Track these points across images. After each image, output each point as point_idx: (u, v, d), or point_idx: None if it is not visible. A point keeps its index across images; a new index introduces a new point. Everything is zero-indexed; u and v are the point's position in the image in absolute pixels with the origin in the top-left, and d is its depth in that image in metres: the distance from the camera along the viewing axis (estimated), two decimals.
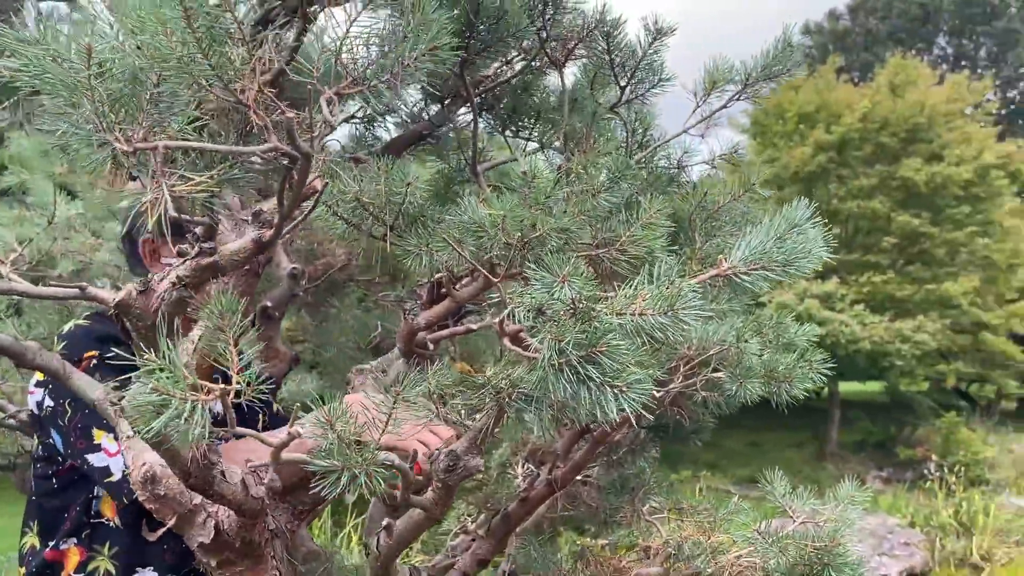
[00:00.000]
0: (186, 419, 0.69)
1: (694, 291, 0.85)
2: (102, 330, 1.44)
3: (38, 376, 1.43)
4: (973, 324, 16.32)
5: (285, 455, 0.84)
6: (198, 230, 0.80)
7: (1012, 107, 37.54)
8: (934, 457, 13.80)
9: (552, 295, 0.83)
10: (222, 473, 1.04)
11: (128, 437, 1.18)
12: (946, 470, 12.84)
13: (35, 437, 1.52)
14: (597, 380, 0.82)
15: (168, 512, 1.14)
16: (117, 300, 0.80)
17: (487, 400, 0.93)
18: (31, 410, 1.47)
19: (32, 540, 1.50)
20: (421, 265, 1.01)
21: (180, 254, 0.81)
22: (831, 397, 17.41)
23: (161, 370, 0.70)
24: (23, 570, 1.50)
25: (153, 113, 0.66)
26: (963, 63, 39.34)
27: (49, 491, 1.48)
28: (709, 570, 1.48)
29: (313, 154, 0.68)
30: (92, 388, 1.24)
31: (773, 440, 16.65)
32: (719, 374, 1.30)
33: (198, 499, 1.14)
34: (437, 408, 0.97)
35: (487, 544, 1.72)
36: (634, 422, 1.06)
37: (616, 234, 1.02)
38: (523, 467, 2.14)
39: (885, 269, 15.77)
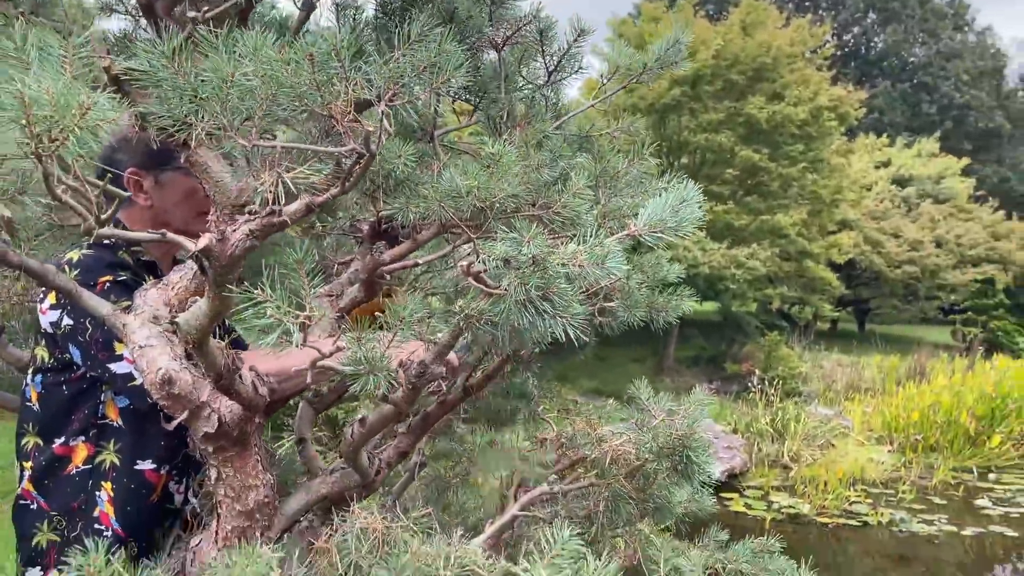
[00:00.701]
0: (283, 333, 0.96)
1: (616, 249, 1.19)
2: (111, 258, 1.63)
3: (51, 299, 1.60)
4: (798, 253, 17.93)
5: (323, 363, 1.13)
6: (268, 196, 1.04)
7: (846, 50, 40.12)
8: (757, 371, 15.22)
9: (520, 249, 1.15)
10: (240, 376, 1.31)
11: (139, 347, 1.42)
12: (766, 383, 14.22)
13: (39, 352, 1.68)
14: (550, 312, 1.15)
15: (179, 408, 1.39)
16: (201, 246, 1.03)
17: (461, 324, 1.25)
18: (45, 329, 1.64)
19: (33, 439, 1.69)
20: (406, 218, 1.30)
21: (252, 213, 1.06)
22: None
23: (256, 304, 0.96)
24: (29, 463, 1.69)
25: (264, 120, 0.90)
26: (807, 4, 41.55)
27: (58, 397, 1.66)
28: (594, 455, 1.87)
29: (376, 153, 0.94)
30: (101, 306, 1.46)
31: (617, 355, 17.79)
32: (612, 303, 1.67)
33: (205, 397, 1.40)
34: (418, 330, 1.28)
35: (407, 439, 2.04)
36: (576, 341, 1.39)
37: (552, 200, 1.34)
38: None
39: (726, 199, 16.95)
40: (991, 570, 8.27)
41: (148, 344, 1.40)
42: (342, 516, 1.30)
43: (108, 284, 1.58)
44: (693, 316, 22.06)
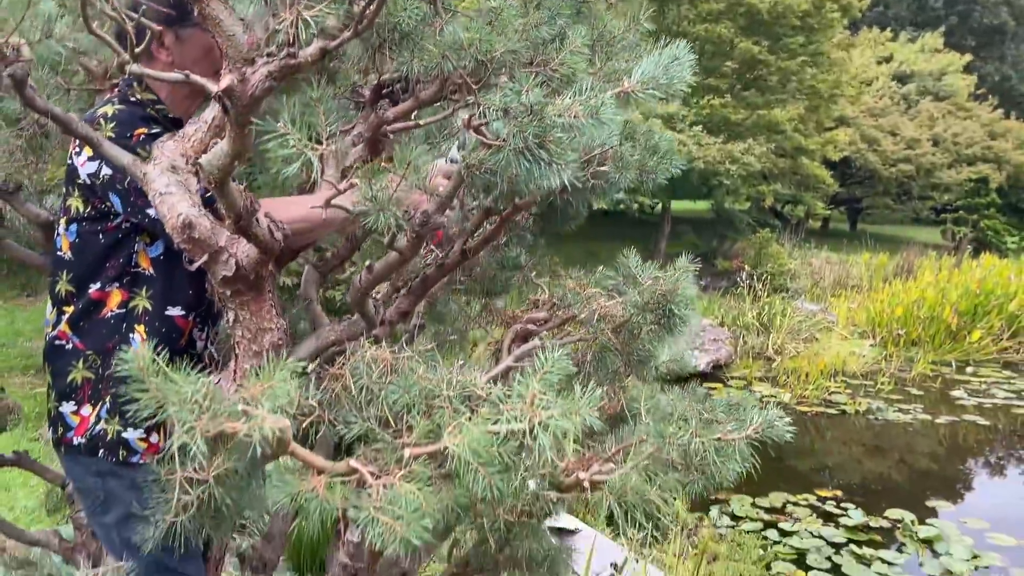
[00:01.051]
0: (304, 164, 1.05)
1: (610, 101, 1.27)
2: (143, 113, 1.70)
3: (88, 151, 1.68)
4: (794, 149, 17.86)
5: (336, 202, 1.22)
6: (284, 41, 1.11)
7: None
8: (747, 268, 15.42)
9: (519, 99, 1.23)
10: (257, 220, 1.41)
11: (160, 194, 1.51)
12: (755, 279, 14.43)
13: (74, 203, 1.77)
14: (546, 160, 1.24)
15: (199, 252, 1.50)
16: (223, 87, 1.11)
17: (463, 173, 1.34)
18: (82, 181, 1.73)
19: (65, 286, 1.80)
20: (410, 71, 1.37)
21: (270, 55, 1.13)
22: (663, 212, 18.82)
23: (279, 136, 1.05)
24: (67, 308, 1.80)
25: None
26: None
27: (94, 246, 1.76)
28: (583, 314, 2.00)
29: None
30: (122, 156, 1.54)
31: (608, 249, 17.85)
32: (604, 167, 1.75)
33: (223, 241, 1.50)
34: (422, 181, 1.37)
35: (407, 300, 2.16)
36: (567, 186, 1.48)
37: (550, 57, 1.41)
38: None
39: (724, 93, 16.74)
40: (962, 457, 8.67)
41: (168, 191, 1.49)
42: (352, 350, 1.42)
43: (143, 136, 1.66)
44: (685, 213, 22.17)
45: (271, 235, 1.43)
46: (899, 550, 6.17)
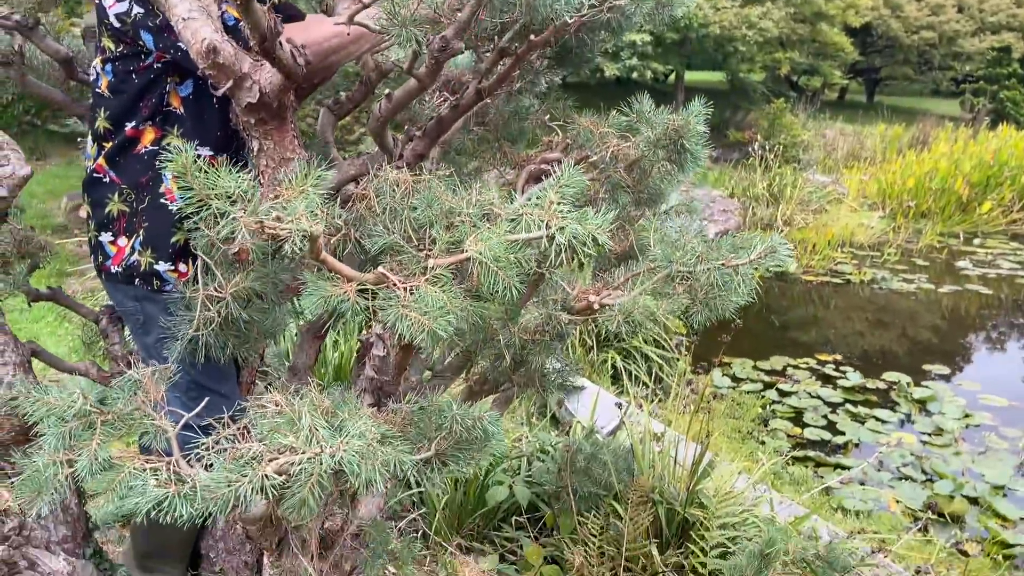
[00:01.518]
0: None
1: None
2: None
3: None
4: (813, 14, 17.24)
5: (359, 19, 1.25)
6: None
7: None
8: (759, 139, 15.22)
9: None
10: (280, 43, 1.44)
11: (183, 20, 1.53)
12: (767, 150, 14.26)
13: (106, 42, 1.81)
14: None
15: (223, 78, 1.54)
16: None
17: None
18: (111, 22, 1.75)
19: (103, 124, 1.86)
20: None
21: None
22: (677, 83, 18.42)
23: None
24: (109, 144, 1.86)
25: None
26: None
27: (128, 86, 1.81)
28: (596, 155, 2.04)
29: None
30: None
31: (563, 96, 17.55)
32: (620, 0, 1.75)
33: (246, 67, 1.54)
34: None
35: (423, 142, 2.20)
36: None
37: None
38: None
39: None
40: (963, 325, 8.84)
41: (190, 17, 1.51)
42: (374, 173, 1.48)
43: None
44: (699, 83, 21.63)
45: (294, 60, 1.47)
46: (892, 409, 6.41)
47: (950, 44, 22.89)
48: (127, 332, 2.29)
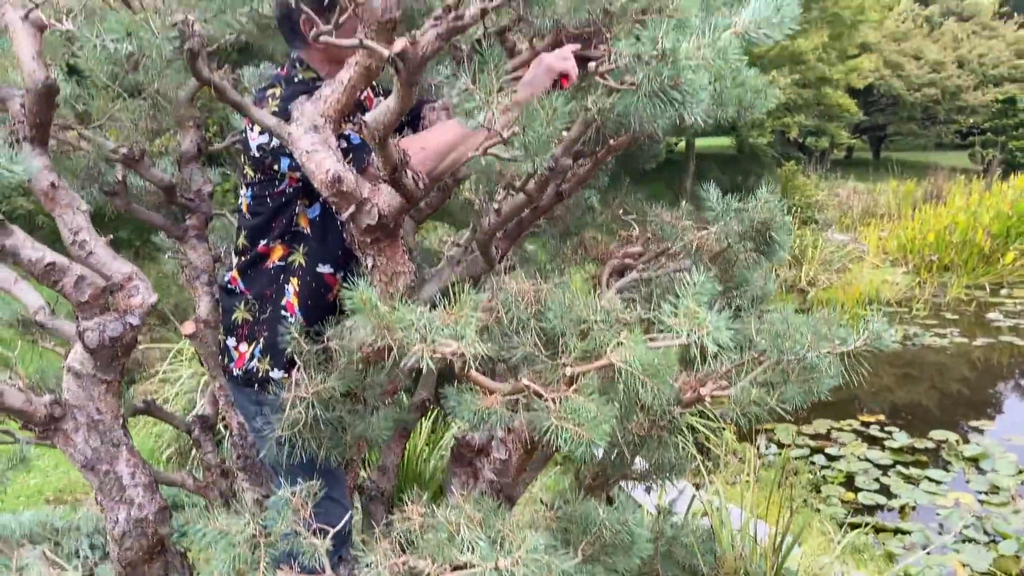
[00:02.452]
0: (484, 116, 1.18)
1: (735, 42, 1.38)
2: (304, 89, 1.80)
3: (258, 127, 1.83)
4: (817, 79, 17.62)
5: (487, 144, 1.34)
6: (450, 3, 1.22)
7: None
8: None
9: (653, 46, 1.34)
10: (406, 171, 1.54)
11: (306, 152, 1.64)
12: (784, 212, 14.35)
13: (248, 170, 1.97)
14: (680, 100, 1.36)
15: (345, 205, 1.64)
16: (397, 50, 1.23)
17: (594, 117, 1.46)
18: (253, 152, 1.90)
19: (243, 241, 2.03)
20: (543, 25, 1.48)
21: (437, 19, 1.24)
22: (688, 150, 18.73)
23: (464, 91, 1.17)
24: (243, 258, 2.02)
25: None
26: None
27: (264, 208, 1.96)
28: (676, 247, 2.13)
29: None
30: (266, 119, 1.67)
31: (634, 190, 17.88)
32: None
33: (366, 193, 1.64)
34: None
35: (505, 243, 2.28)
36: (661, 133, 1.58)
37: (665, 3, 1.52)
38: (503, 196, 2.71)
39: None
40: (1002, 377, 8.77)
41: (314, 149, 1.62)
42: (498, 285, 1.56)
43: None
44: (708, 150, 22.03)
45: (415, 184, 1.56)
46: (945, 469, 6.32)
47: (953, 99, 23.27)
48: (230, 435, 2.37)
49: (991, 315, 10.66)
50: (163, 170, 2.30)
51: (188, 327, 2.22)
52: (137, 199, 2.32)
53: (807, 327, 1.65)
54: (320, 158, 1.60)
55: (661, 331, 1.30)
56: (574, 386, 1.26)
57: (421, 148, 1.66)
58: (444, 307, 1.25)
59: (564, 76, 1.59)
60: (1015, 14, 27.82)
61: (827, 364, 1.87)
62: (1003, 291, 11.85)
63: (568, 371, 1.32)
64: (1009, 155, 22.86)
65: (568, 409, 1.22)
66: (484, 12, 1.23)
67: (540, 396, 1.29)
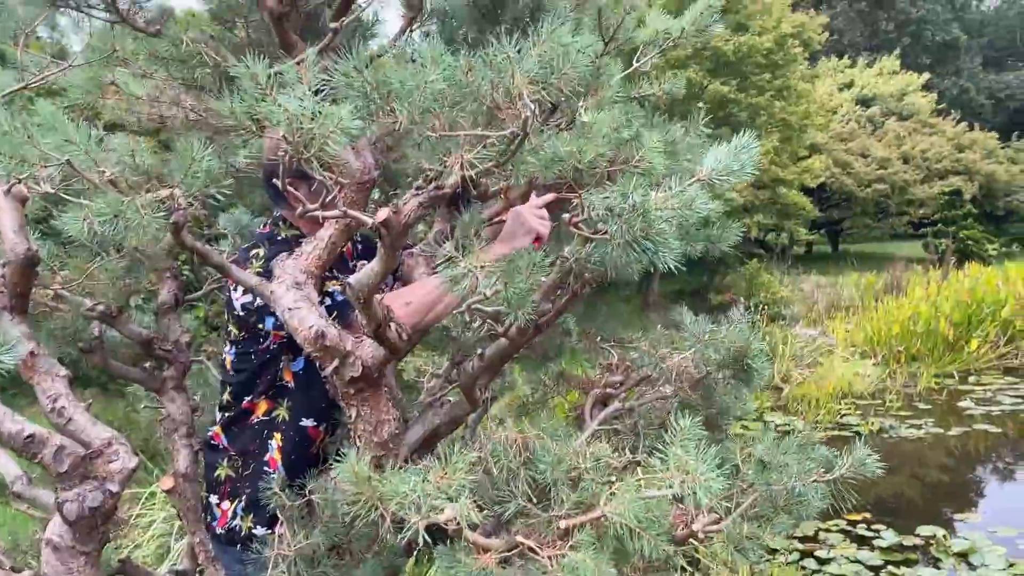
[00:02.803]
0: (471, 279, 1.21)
1: (701, 194, 1.45)
2: (286, 248, 1.86)
3: (242, 287, 1.86)
4: (772, 180, 18.26)
5: (471, 301, 1.37)
6: (430, 175, 1.28)
7: None
8: (741, 300, 15.64)
9: (624, 200, 1.40)
10: (390, 325, 1.56)
11: (289, 309, 1.66)
12: (751, 310, 14.62)
13: (232, 328, 2.00)
14: (652, 250, 1.41)
15: (329, 359, 1.65)
16: (381, 219, 1.27)
17: (571, 265, 1.50)
18: (237, 312, 1.93)
19: (227, 397, 2.04)
20: (517, 182, 1.55)
21: (418, 188, 1.30)
22: None
23: (448, 259, 1.21)
24: (227, 414, 2.02)
25: (449, 115, 1.14)
26: None
27: (249, 365, 1.98)
28: (656, 374, 2.16)
29: (528, 133, 1.19)
30: (248, 278, 1.70)
31: (603, 298, 18.10)
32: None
33: (350, 346, 1.65)
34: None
35: (486, 376, 2.30)
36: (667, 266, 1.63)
37: (632, 155, 1.59)
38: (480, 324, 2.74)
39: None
40: (981, 466, 8.80)
41: (296, 306, 1.65)
42: (486, 435, 1.57)
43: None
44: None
45: (399, 337, 1.59)
46: (936, 566, 6.25)
47: (902, 193, 24.21)
48: None
49: (963, 403, 10.77)
50: (140, 323, 2.31)
51: (166, 482, 2.17)
52: (113, 353, 2.31)
53: (792, 455, 1.66)
54: (303, 314, 1.63)
55: (652, 474, 1.30)
56: (569, 541, 1.26)
57: (407, 303, 1.70)
58: (436, 467, 1.25)
59: (538, 237, 1.65)
60: (952, 111, 29.33)
61: (815, 491, 1.88)
62: (971, 378, 12.01)
63: (562, 524, 1.32)
64: (961, 244, 23.62)
65: (565, 567, 1.21)
66: (465, 181, 1.28)
67: (535, 552, 1.27)
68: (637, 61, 2.08)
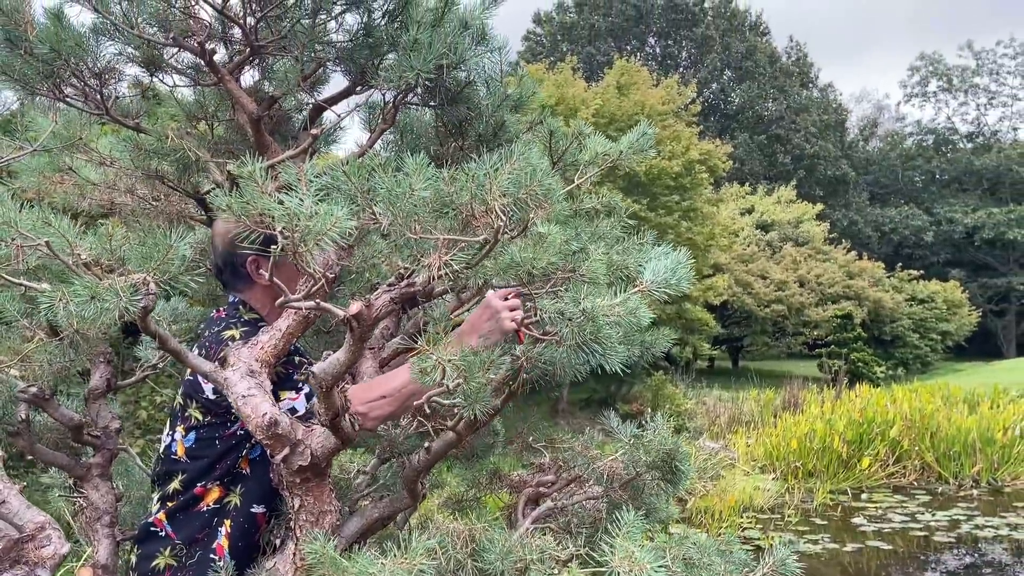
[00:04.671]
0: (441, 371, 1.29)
1: (643, 303, 1.59)
2: (254, 330, 1.90)
3: None
4: (678, 296, 18.99)
5: (433, 393, 1.44)
6: (403, 272, 1.37)
7: (707, 105, 42.79)
8: (648, 411, 15.93)
9: (576, 305, 1.53)
10: (345, 416, 1.61)
11: (242, 396, 1.69)
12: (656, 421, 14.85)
13: (194, 413, 1.96)
14: (600, 352, 1.53)
15: (279, 447, 1.68)
16: (353, 312, 1.34)
17: (522, 364, 1.60)
18: (207, 396, 1.91)
19: (175, 486, 1.97)
20: (474, 283, 1.66)
21: (390, 285, 1.38)
22: None
23: (418, 352, 1.29)
24: (174, 503, 1.95)
25: (428, 219, 1.25)
26: (669, 62, 44.31)
27: (210, 450, 1.94)
28: (586, 474, 2.24)
29: (500, 240, 1.31)
30: (203, 364, 1.73)
31: (516, 404, 18.14)
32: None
33: (300, 435, 1.69)
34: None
35: (424, 467, 2.34)
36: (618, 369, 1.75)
37: (579, 264, 1.73)
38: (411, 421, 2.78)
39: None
40: None
41: (250, 394, 1.68)
42: (434, 526, 1.61)
43: None
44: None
45: (352, 428, 1.64)
46: None
47: (798, 314, 25.51)
48: None
49: (856, 519, 11.14)
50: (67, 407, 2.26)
51: (85, 573, 2.09)
52: (38, 437, 2.24)
53: (717, 555, 1.76)
54: (256, 402, 1.66)
55: (595, 567, 1.38)
56: None
57: (382, 396, 1.75)
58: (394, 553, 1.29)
59: (519, 331, 1.74)
60: (842, 240, 31.42)
61: None
62: (863, 496, 12.47)
63: None
64: (852, 366, 24.88)
65: None
66: (431, 279, 1.38)
67: None
68: (579, 179, 2.25)
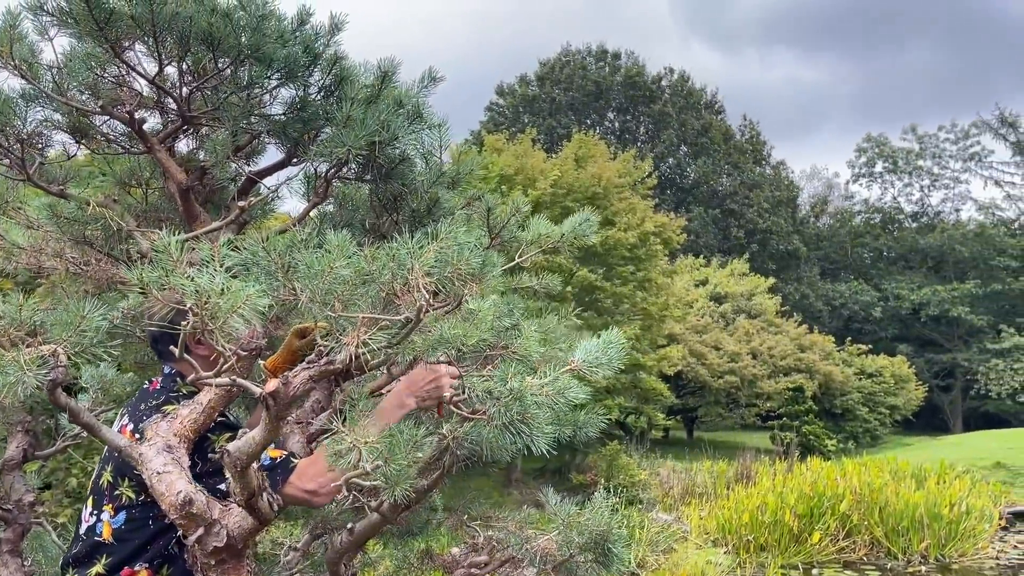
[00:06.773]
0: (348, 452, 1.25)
1: (573, 382, 1.57)
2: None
3: None
4: (632, 365, 19.06)
5: (350, 475, 1.40)
6: (322, 349, 1.34)
7: (663, 178, 43.77)
8: (601, 481, 15.82)
9: (504, 385, 1.50)
10: (263, 496, 1.55)
11: (157, 473, 1.63)
12: (610, 492, 14.73)
13: (126, 492, 1.89)
14: (528, 433, 1.51)
15: (193, 526, 1.60)
16: (270, 389, 1.31)
17: (449, 443, 1.57)
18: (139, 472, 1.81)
19: (99, 569, 1.88)
20: (403, 359, 1.63)
21: (310, 362, 1.35)
22: None
23: (333, 433, 1.25)
24: None
25: (351, 297, 1.23)
26: (627, 137, 45.47)
27: (143, 531, 1.87)
28: (520, 555, 2.19)
29: (422, 319, 1.29)
30: (117, 439, 1.66)
31: (469, 474, 17.90)
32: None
33: (216, 515, 1.62)
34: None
35: (355, 549, 2.28)
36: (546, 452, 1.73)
37: (512, 342, 1.72)
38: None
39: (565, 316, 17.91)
40: None
41: (165, 470, 1.62)
42: None
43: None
44: None
45: (270, 508, 1.57)
46: None
47: (751, 386, 25.74)
48: None
49: None
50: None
51: None
52: None
53: None
54: (171, 479, 1.59)
55: None
56: None
57: (317, 479, 1.71)
58: None
59: (439, 407, 1.70)
60: (794, 313, 31.98)
61: None
62: (815, 571, 12.40)
63: None
64: (803, 438, 25.05)
65: None
66: (352, 357, 1.35)
67: None
68: (519, 257, 2.25)
